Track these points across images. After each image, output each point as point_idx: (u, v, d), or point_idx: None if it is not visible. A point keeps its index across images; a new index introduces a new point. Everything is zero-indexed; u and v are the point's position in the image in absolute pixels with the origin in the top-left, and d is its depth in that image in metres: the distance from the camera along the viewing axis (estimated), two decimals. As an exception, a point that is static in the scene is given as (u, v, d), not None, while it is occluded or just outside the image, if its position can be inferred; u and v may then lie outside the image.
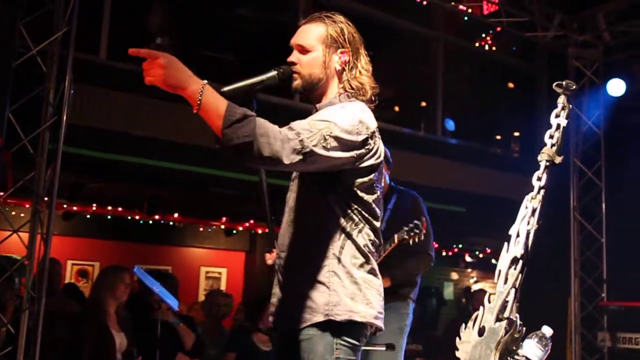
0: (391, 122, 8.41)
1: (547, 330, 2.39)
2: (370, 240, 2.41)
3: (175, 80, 2.05)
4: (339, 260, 2.35)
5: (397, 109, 9.43)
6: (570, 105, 2.44)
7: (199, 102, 2.04)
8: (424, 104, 9.41)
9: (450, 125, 9.35)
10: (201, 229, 10.08)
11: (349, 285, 2.34)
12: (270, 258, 2.71)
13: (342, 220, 2.37)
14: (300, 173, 2.44)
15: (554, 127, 2.41)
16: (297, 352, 2.34)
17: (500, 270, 2.31)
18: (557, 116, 2.42)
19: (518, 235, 2.32)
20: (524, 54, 10.18)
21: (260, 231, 9.79)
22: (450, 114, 9.37)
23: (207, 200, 8.80)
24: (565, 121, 2.41)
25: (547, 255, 6.75)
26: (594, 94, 8.36)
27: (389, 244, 3.95)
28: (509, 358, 2.25)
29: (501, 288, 2.27)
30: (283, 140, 2.11)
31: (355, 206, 2.38)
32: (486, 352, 2.21)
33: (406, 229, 3.92)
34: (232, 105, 2.09)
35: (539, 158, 2.38)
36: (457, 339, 2.33)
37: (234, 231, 9.90)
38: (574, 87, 2.44)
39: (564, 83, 2.43)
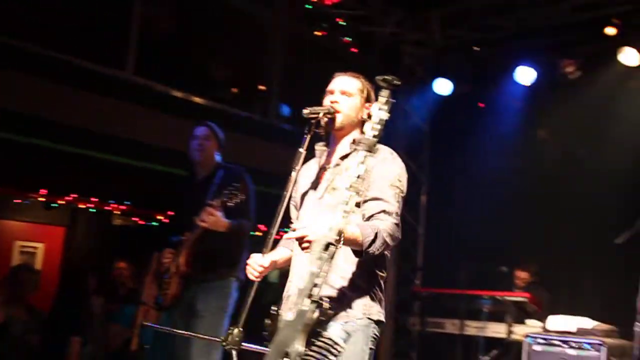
0: (228, 103, 8.32)
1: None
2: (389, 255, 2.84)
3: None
4: (375, 273, 2.77)
5: (235, 90, 9.35)
6: (394, 100, 2.50)
7: (342, 242, 2.39)
8: (262, 87, 9.38)
9: (286, 110, 9.42)
10: (17, 201, 9.42)
11: (379, 293, 2.77)
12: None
13: None
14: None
15: (376, 119, 2.48)
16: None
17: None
18: (380, 109, 2.49)
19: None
20: (361, 48, 10.44)
21: (83, 206, 9.33)
22: (286, 100, 9.43)
23: (25, 170, 8.25)
24: (387, 115, 2.48)
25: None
26: (423, 92, 8.76)
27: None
28: (313, 339, 2.30)
29: (313, 270, 2.31)
30: (393, 228, 2.64)
31: None
32: (293, 334, 2.24)
33: (226, 192, 4.12)
34: (363, 229, 2.54)
35: (358, 148, 2.44)
36: (266, 320, 2.34)
37: (54, 205, 9.36)
38: (398, 82, 2.51)
39: (388, 78, 2.50)
